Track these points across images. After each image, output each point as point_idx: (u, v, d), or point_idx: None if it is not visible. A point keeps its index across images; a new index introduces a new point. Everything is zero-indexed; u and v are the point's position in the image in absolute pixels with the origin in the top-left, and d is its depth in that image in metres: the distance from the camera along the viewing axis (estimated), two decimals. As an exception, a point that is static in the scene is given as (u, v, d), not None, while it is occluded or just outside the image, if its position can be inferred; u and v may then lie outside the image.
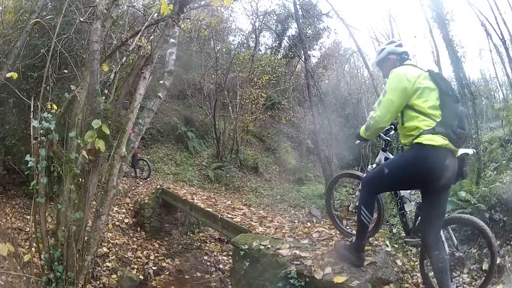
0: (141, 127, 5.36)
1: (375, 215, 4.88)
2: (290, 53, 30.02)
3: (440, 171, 3.83)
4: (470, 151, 4.26)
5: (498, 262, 8.25)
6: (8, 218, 9.38)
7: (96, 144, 5.03)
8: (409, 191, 4.77)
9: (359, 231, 4.53)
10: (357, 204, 4.79)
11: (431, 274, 4.36)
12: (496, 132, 20.54)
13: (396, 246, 10.32)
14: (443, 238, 4.20)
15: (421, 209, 4.45)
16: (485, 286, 4.25)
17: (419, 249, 4.78)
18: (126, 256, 10.08)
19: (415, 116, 3.94)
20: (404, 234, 4.88)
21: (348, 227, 5.87)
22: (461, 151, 4.05)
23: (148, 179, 15.32)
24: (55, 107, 5.77)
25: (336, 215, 5.50)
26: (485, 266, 8.50)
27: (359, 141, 4.97)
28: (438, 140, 3.77)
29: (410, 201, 4.74)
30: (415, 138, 3.90)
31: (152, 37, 11.85)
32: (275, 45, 32.04)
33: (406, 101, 3.97)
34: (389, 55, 4.48)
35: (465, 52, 32.64)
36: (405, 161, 4.17)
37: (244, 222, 7.35)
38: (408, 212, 4.77)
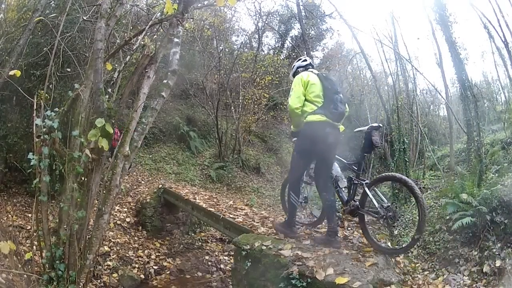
0: (144, 126, 5.36)
1: (318, 212, 6.47)
2: (293, 54, 29.97)
3: (325, 135, 5.39)
4: (375, 125, 5.64)
5: (498, 264, 8.28)
6: (10, 216, 9.40)
7: (99, 142, 5.03)
8: (340, 171, 6.21)
9: (290, 210, 6.03)
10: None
11: (371, 233, 5.61)
12: (498, 134, 20.48)
13: (397, 247, 10.34)
14: (370, 195, 5.31)
15: (316, 164, 5.89)
16: (414, 243, 5.23)
17: (358, 214, 5.55)
18: (127, 255, 10.09)
19: (306, 103, 5.60)
20: (342, 206, 5.92)
21: (349, 228, 6.15)
22: (370, 128, 5.61)
23: (129, 170, 15.25)
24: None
25: (338, 215, 5.91)
26: (485, 268, 8.49)
27: (295, 139, 6.22)
28: (318, 117, 5.41)
29: (342, 179, 6.07)
30: (304, 119, 5.56)
31: (155, 36, 11.88)
32: (278, 46, 32.09)
33: (304, 91, 5.62)
34: (298, 69, 6.28)
35: (468, 54, 32.50)
36: (302, 138, 5.74)
37: (246, 222, 7.35)
38: (343, 188, 5.99)
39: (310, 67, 6.16)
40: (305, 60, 6.32)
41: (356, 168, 5.78)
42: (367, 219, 5.57)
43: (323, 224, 6.61)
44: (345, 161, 6.15)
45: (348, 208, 5.61)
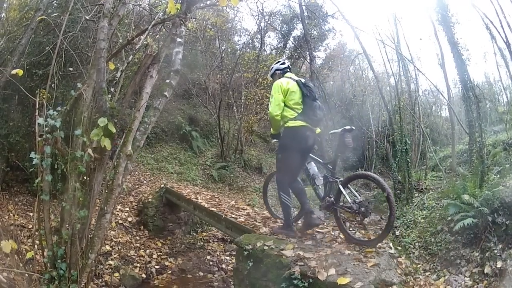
0: (147, 126, 5.36)
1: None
2: (295, 54, 29.99)
3: (305, 138, 6.09)
4: (348, 127, 6.07)
5: (499, 265, 8.28)
6: (11, 215, 9.39)
7: (102, 142, 5.03)
8: (317, 170, 6.65)
9: (285, 211, 6.31)
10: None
11: (345, 224, 6.03)
12: (500, 135, 20.49)
13: (399, 248, 10.33)
14: (344, 192, 5.84)
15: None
16: (383, 236, 5.44)
17: (333, 209, 5.99)
18: (129, 254, 10.09)
19: (286, 109, 6.11)
20: (319, 202, 6.41)
21: (351, 229, 6.26)
22: (343, 130, 6.04)
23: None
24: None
25: (342, 217, 6.08)
26: (487, 269, 8.49)
27: (274, 140, 6.90)
28: (299, 122, 6.01)
29: (319, 177, 6.51)
30: (285, 124, 6.14)
31: (158, 36, 11.88)
32: (281, 46, 32.03)
33: (283, 98, 6.09)
34: (276, 71, 6.77)
35: (470, 55, 32.50)
36: (288, 141, 6.16)
37: (248, 222, 7.37)
38: (319, 186, 6.47)
39: (288, 70, 6.67)
40: (284, 63, 6.78)
41: (331, 167, 6.36)
42: (341, 214, 5.99)
43: (324, 224, 6.75)
44: (321, 161, 6.69)
45: (324, 204, 6.17)
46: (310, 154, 6.60)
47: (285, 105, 6.10)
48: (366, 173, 7.15)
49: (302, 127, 6.01)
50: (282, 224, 6.68)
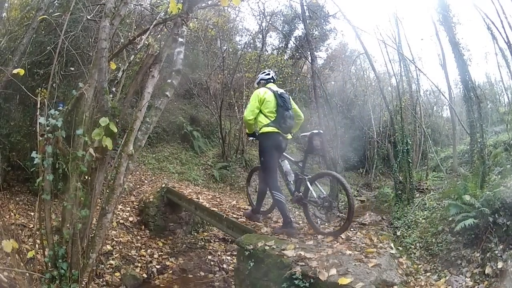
0: (148, 125, 5.37)
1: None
2: (297, 54, 30.03)
3: (278, 142, 6.79)
4: (316, 131, 6.78)
5: (500, 266, 8.27)
6: (12, 214, 9.39)
7: (103, 142, 5.04)
8: (289, 168, 7.27)
9: (280, 208, 6.78)
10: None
11: (313, 217, 6.75)
12: (501, 136, 20.47)
13: (400, 248, 10.33)
14: (310, 188, 6.48)
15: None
16: (344, 229, 6.14)
17: (302, 203, 6.74)
18: (130, 254, 10.10)
19: (261, 116, 6.84)
20: (291, 196, 7.06)
21: (352, 229, 6.55)
22: (311, 134, 6.74)
23: None
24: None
25: (341, 216, 6.46)
26: (487, 270, 8.49)
27: (252, 138, 7.63)
28: (272, 129, 6.69)
29: (291, 174, 7.14)
30: (260, 129, 6.86)
31: (159, 36, 11.89)
32: (282, 46, 32.07)
33: (258, 106, 6.82)
34: (261, 80, 7.42)
35: (471, 55, 32.62)
36: (264, 144, 6.92)
37: (249, 222, 7.39)
38: (291, 182, 7.05)
39: (271, 81, 7.36)
40: (268, 74, 7.46)
41: (301, 166, 7.02)
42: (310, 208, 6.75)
43: (325, 224, 6.91)
44: (292, 159, 7.32)
45: (294, 198, 6.87)
46: (284, 154, 7.28)
47: (261, 112, 6.86)
48: (330, 172, 8.01)
49: (274, 133, 6.71)
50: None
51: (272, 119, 6.75)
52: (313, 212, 6.74)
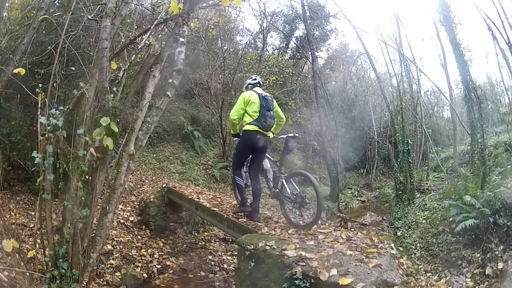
0: (149, 125, 5.37)
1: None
2: (298, 54, 30.07)
3: (256, 140, 7.35)
4: (291, 135, 7.66)
5: (501, 267, 8.27)
6: (12, 214, 9.39)
7: (104, 141, 5.04)
8: (270, 166, 8.06)
9: (240, 191, 8.05)
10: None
11: (288, 212, 7.59)
12: (502, 136, 20.49)
13: (401, 249, 10.33)
14: (286, 185, 7.26)
15: (250, 161, 7.92)
16: (314, 222, 6.75)
17: (279, 198, 7.57)
18: (130, 254, 10.09)
19: (246, 116, 7.45)
20: (269, 192, 8.04)
21: (352, 229, 6.61)
22: (287, 137, 7.58)
23: None
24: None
25: (342, 216, 6.64)
26: (488, 270, 8.49)
27: (236, 138, 8.22)
28: (252, 127, 7.31)
29: (270, 172, 7.96)
30: (243, 127, 7.47)
31: (160, 35, 11.89)
32: (283, 46, 32.12)
33: (243, 107, 7.44)
34: (248, 85, 8.02)
35: (472, 55, 32.67)
36: (241, 142, 7.77)
37: (249, 222, 7.37)
38: (270, 179, 7.87)
39: (258, 85, 8.01)
40: (255, 79, 8.11)
41: (278, 165, 7.89)
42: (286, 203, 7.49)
43: (326, 225, 7.03)
44: (271, 159, 8.18)
45: (272, 193, 7.76)
46: (266, 154, 8.05)
47: (246, 112, 7.49)
48: (302, 171, 8.29)
49: (254, 131, 7.36)
50: (238, 205, 8.40)
51: (255, 118, 7.37)
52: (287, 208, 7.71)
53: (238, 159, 8.16)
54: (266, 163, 8.12)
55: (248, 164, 8.15)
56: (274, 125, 7.88)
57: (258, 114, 7.40)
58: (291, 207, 7.79)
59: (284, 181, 7.39)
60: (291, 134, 7.72)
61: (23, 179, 10.67)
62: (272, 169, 8.10)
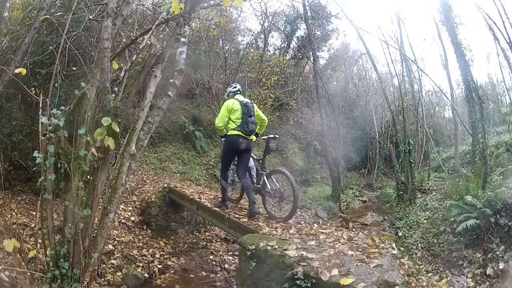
0: (151, 125, 5.37)
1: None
2: (299, 54, 30.08)
3: (239, 144, 7.95)
4: (272, 136, 8.50)
5: (502, 267, 8.27)
6: (14, 213, 9.40)
7: (106, 141, 5.04)
8: (254, 165, 8.68)
9: (222, 191, 8.85)
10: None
11: (269, 207, 8.61)
12: (503, 136, 20.46)
13: (402, 249, 10.33)
14: (266, 181, 8.11)
15: (237, 162, 8.44)
16: (290, 216, 7.57)
17: (260, 193, 8.34)
18: (132, 254, 10.09)
19: (230, 122, 8.04)
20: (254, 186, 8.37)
21: (354, 229, 6.61)
22: (268, 137, 8.41)
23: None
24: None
25: (343, 216, 6.72)
26: (489, 270, 8.49)
27: (223, 139, 8.62)
28: (236, 132, 7.92)
29: (254, 169, 8.65)
30: (228, 132, 8.04)
31: (161, 35, 11.89)
32: (284, 46, 32.09)
33: (227, 114, 8.03)
34: (230, 93, 8.72)
35: (473, 55, 32.59)
36: (226, 145, 8.40)
37: (251, 222, 7.36)
38: (254, 175, 8.56)
39: (238, 92, 8.72)
40: (235, 87, 8.85)
41: (261, 163, 8.63)
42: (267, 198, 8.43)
43: (327, 224, 6.99)
44: (254, 157, 8.73)
45: (254, 189, 8.25)
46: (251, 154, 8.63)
47: (230, 119, 8.10)
48: (280, 169, 9.06)
49: (237, 135, 8.00)
50: (220, 199, 9.11)
51: (238, 124, 8.03)
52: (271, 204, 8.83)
53: (224, 161, 8.83)
54: (250, 162, 8.66)
55: (237, 165, 8.63)
56: (258, 127, 8.55)
57: (241, 121, 8.06)
58: (272, 202, 8.76)
59: (265, 177, 8.23)
60: (272, 135, 8.56)
61: (24, 179, 10.69)
62: (256, 167, 8.77)
